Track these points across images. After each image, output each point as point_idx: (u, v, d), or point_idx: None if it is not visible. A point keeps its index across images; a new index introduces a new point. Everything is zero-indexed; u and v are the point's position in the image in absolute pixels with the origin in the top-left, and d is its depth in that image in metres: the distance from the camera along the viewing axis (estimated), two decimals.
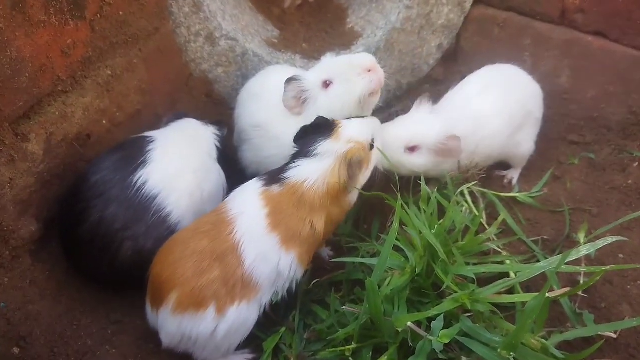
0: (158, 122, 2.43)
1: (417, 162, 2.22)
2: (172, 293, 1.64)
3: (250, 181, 1.88)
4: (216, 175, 2.19)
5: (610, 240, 1.75)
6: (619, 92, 2.65)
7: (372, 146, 1.93)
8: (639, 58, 2.55)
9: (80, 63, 1.96)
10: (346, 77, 2.04)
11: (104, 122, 2.11)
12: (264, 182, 1.83)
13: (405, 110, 3.01)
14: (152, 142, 1.99)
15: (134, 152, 1.94)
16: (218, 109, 2.86)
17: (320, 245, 1.94)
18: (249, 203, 1.79)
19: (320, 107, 2.07)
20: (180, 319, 1.65)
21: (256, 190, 1.81)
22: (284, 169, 1.84)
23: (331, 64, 2.14)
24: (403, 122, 2.32)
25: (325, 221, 1.80)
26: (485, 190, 2.33)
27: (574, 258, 1.69)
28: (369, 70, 2.03)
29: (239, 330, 1.75)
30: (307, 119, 2.07)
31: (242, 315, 1.72)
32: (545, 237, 2.22)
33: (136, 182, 1.87)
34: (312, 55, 2.92)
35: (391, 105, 3.08)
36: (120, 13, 2.12)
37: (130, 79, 2.25)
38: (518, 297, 1.69)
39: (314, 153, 1.81)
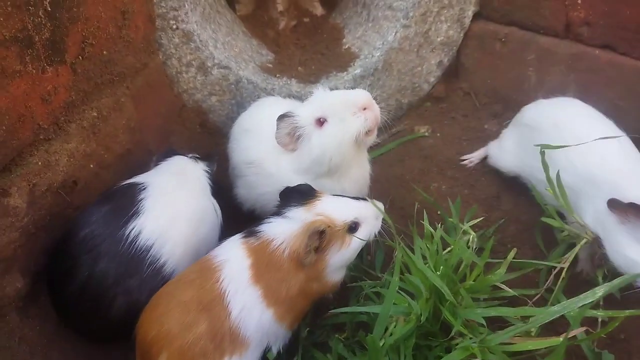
0: (151, 159, 2.36)
1: None
2: (161, 356, 1.56)
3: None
4: (211, 214, 2.11)
5: (628, 279, 1.64)
6: (629, 106, 2.54)
7: (353, 229, 1.81)
8: None
9: (63, 108, 1.88)
10: (341, 116, 1.95)
11: (92, 166, 2.03)
12: (243, 233, 1.80)
13: (406, 131, 2.93)
14: (143, 189, 1.90)
15: (124, 203, 1.85)
16: (213, 139, 2.78)
17: (303, 311, 1.85)
18: (233, 251, 1.74)
19: (315, 145, 1.98)
20: None
21: (238, 239, 1.78)
22: (260, 222, 1.81)
23: (325, 100, 2.03)
24: None
25: (300, 292, 1.73)
26: None
27: (589, 301, 1.58)
28: (365, 109, 1.94)
29: None
30: (302, 156, 2.01)
31: None
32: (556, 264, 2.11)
33: (129, 235, 1.78)
34: (309, 79, 2.84)
35: (392, 125, 2.99)
36: (104, 52, 2.04)
37: (118, 118, 2.17)
38: (532, 345, 1.58)
39: (284, 215, 1.77)
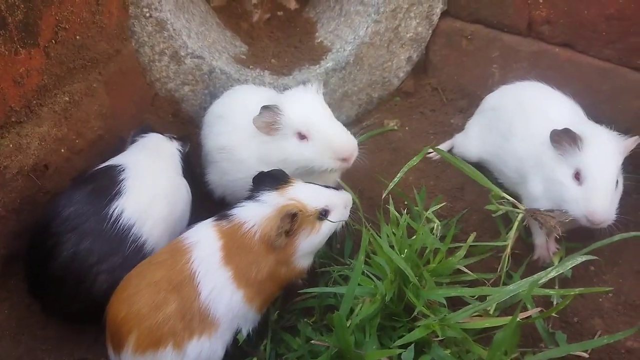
0: (123, 146, 2.38)
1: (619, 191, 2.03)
2: (131, 335, 1.58)
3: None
4: (184, 192, 2.17)
5: (580, 259, 1.75)
6: (587, 103, 2.64)
7: (322, 216, 1.88)
8: (605, 69, 2.56)
9: (35, 91, 1.89)
10: (321, 149, 2.02)
11: (63, 150, 2.04)
12: (215, 217, 1.84)
13: (376, 124, 3.01)
14: (123, 170, 1.94)
15: (106, 183, 1.90)
16: (186, 128, 2.80)
17: (272, 295, 1.90)
18: (204, 233, 1.78)
19: (287, 150, 2.07)
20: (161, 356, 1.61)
21: (209, 222, 1.82)
22: (233, 206, 1.86)
23: (316, 122, 2.05)
24: None
25: (269, 275, 1.79)
26: None
27: (542, 280, 1.68)
28: (344, 159, 2.03)
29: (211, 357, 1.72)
30: (272, 150, 2.09)
31: (205, 352, 1.67)
32: (517, 251, 2.22)
33: (112, 214, 1.83)
34: (282, 71, 2.89)
35: (362, 119, 3.06)
36: (77, 37, 2.05)
37: (90, 104, 2.18)
38: (489, 322, 1.67)
39: (257, 199, 1.82)
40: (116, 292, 1.68)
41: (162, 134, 2.30)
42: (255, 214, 1.80)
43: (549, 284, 1.90)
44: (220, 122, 2.32)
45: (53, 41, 1.92)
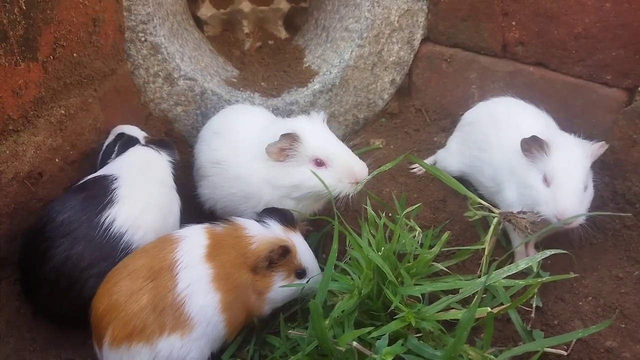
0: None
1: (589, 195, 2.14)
2: (109, 328, 1.61)
3: None
4: (176, 204, 2.24)
5: (548, 253, 1.82)
6: (562, 118, 2.76)
7: (299, 273, 1.97)
8: (577, 85, 2.69)
9: (32, 103, 2.00)
10: (339, 174, 2.13)
11: (57, 160, 2.13)
12: (209, 223, 1.93)
13: (362, 144, 3.12)
14: (115, 180, 2.01)
15: (99, 192, 1.97)
16: (178, 147, 2.88)
17: (238, 319, 1.87)
18: (194, 231, 1.86)
19: (303, 176, 2.14)
20: (118, 356, 1.62)
21: (201, 226, 1.91)
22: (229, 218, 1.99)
23: (334, 150, 2.17)
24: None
25: (243, 289, 1.84)
26: None
27: (513, 272, 1.74)
28: (357, 182, 2.16)
29: None
30: (284, 175, 2.16)
31: (175, 351, 1.66)
32: (497, 258, 2.27)
33: (104, 222, 1.90)
34: (271, 93, 3.02)
35: (349, 139, 3.17)
36: (74, 55, 2.18)
37: (85, 118, 2.29)
38: (461, 314, 1.71)
39: (263, 222, 1.96)
40: (101, 285, 1.73)
41: (147, 145, 2.33)
42: (259, 230, 1.91)
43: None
44: (216, 138, 2.40)
45: (51, 57, 2.05)
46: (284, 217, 1.99)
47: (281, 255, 1.86)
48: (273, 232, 1.92)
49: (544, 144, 2.10)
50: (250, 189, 2.23)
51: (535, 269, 2.08)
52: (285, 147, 2.11)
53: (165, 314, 1.64)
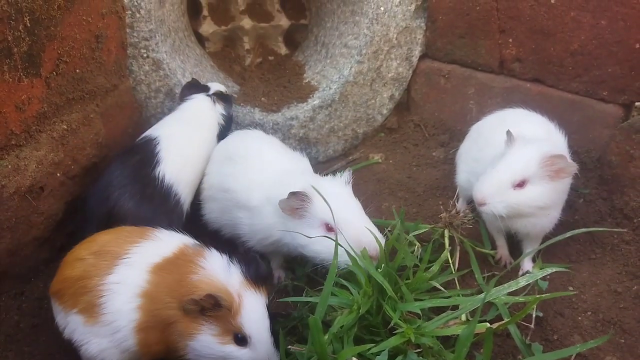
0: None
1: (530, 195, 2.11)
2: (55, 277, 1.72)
3: None
4: (208, 151, 2.56)
5: (549, 270, 1.83)
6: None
7: (239, 339, 1.65)
8: (574, 101, 2.72)
9: (35, 118, 2.02)
10: (346, 246, 1.91)
11: (58, 174, 2.15)
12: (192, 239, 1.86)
13: (362, 158, 3.15)
14: (157, 144, 2.35)
15: (148, 154, 2.31)
16: None
17: (153, 344, 1.71)
18: (170, 240, 1.81)
19: (311, 240, 1.97)
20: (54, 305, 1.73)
21: (182, 238, 1.84)
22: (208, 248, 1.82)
23: (347, 221, 1.98)
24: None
25: (166, 320, 1.65)
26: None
27: (513, 289, 1.75)
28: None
29: (81, 347, 1.67)
30: (298, 227, 2.01)
31: (77, 333, 1.65)
32: (496, 272, 2.28)
33: (157, 176, 2.27)
34: (271, 108, 3.06)
35: (349, 153, 3.20)
36: (77, 71, 2.21)
37: (87, 132, 2.32)
38: (461, 329, 1.71)
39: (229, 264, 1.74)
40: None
41: (208, 94, 2.67)
42: (214, 266, 1.70)
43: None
44: (228, 164, 2.34)
45: (54, 73, 2.08)
46: (254, 270, 1.72)
47: (213, 305, 1.58)
48: (227, 277, 1.67)
49: (511, 138, 2.15)
50: (260, 225, 2.16)
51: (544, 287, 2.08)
52: (296, 205, 2.00)
53: (81, 292, 1.65)
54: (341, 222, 1.97)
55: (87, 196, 2.21)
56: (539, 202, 2.10)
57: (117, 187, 2.15)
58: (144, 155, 2.29)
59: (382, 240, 2.00)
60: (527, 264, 2.31)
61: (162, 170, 2.28)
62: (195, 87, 2.70)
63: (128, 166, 2.23)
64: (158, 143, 2.35)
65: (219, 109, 2.68)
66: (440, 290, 2.06)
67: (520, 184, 2.07)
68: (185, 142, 2.45)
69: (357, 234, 1.98)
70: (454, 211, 2.35)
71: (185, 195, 2.40)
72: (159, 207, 2.24)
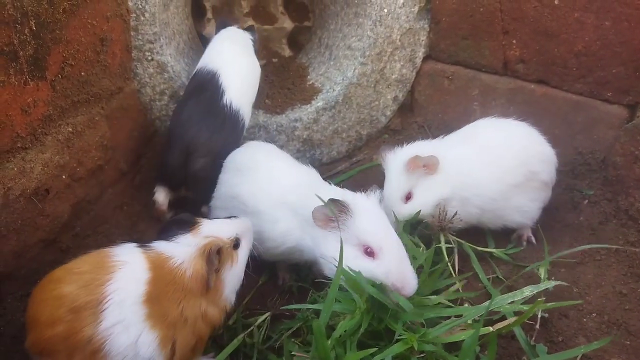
0: (121, 177, 2.58)
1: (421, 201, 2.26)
2: (29, 335, 1.58)
3: None
4: (257, 68, 2.87)
5: (553, 283, 1.90)
6: (564, 134, 2.79)
7: (237, 245, 1.88)
8: (579, 102, 2.72)
9: (41, 121, 2.04)
10: (386, 276, 1.79)
11: (64, 177, 2.16)
12: (140, 244, 1.79)
13: (366, 160, 3.16)
14: (219, 76, 2.57)
15: (214, 88, 2.56)
16: None
17: (196, 348, 1.77)
18: (134, 256, 1.70)
19: (337, 251, 1.80)
20: None
21: (136, 247, 1.75)
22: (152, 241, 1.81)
23: (392, 250, 1.83)
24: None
25: (196, 317, 1.71)
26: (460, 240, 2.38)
27: (518, 298, 1.76)
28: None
29: None
30: (325, 239, 1.89)
31: None
32: (499, 276, 2.28)
33: (225, 104, 2.54)
34: (275, 110, 3.07)
35: (352, 155, 3.20)
36: (82, 73, 2.23)
37: (92, 135, 2.33)
38: (464, 335, 1.71)
39: (175, 241, 1.78)
40: (35, 289, 1.64)
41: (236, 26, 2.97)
42: (182, 252, 1.73)
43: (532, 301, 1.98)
44: (238, 174, 2.32)
45: (59, 76, 2.09)
46: (181, 223, 1.83)
47: (218, 258, 1.74)
48: (190, 244, 1.75)
49: (384, 158, 2.42)
50: (272, 231, 2.10)
51: (542, 277, 2.08)
52: (333, 216, 1.84)
53: (77, 352, 1.53)
54: (383, 247, 1.82)
55: (170, 129, 2.56)
56: (433, 200, 2.25)
57: (195, 122, 2.46)
58: (212, 89, 2.54)
59: (416, 277, 1.83)
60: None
61: (228, 98, 2.54)
62: (224, 23, 2.98)
63: (202, 101, 2.51)
64: (220, 75, 2.58)
65: (249, 35, 2.93)
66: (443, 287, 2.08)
67: (408, 197, 2.28)
68: (239, 67, 2.70)
69: (400, 266, 1.81)
70: (442, 214, 2.31)
71: (247, 118, 2.69)
72: (230, 134, 2.55)
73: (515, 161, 2.31)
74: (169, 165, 2.49)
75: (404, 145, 2.41)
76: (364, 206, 1.89)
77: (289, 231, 2.06)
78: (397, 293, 1.74)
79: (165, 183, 2.55)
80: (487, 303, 1.84)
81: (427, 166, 2.23)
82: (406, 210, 2.26)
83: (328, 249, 1.86)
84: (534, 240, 2.48)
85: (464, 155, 2.32)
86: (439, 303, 1.97)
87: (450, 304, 1.98)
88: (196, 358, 1.84)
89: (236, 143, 2.57)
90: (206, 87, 2.56)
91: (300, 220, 1.99)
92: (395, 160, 2.31)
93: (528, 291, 1.92)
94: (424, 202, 2.26)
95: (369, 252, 1.83)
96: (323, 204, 1.85)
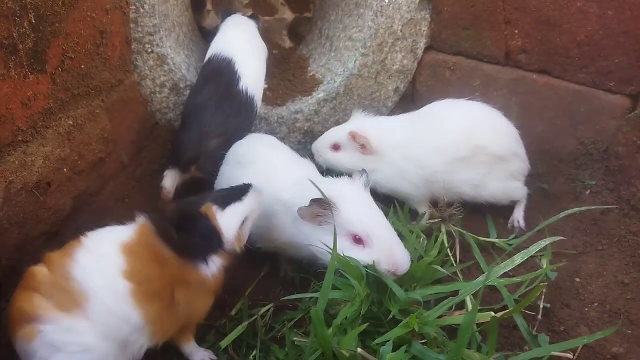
0: (122, 170, 2.58)
1: (342, 159, 2.58)
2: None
3: None
4: (264, 51, 3.00)
5: (543, 243, 1.94)
6: (566, 125, 2.79)
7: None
8: (581, 92, 2.71)
9: (41, 114, 2.03)
10: (377, 260, 1.84)
11: (65, 170, 2.16)
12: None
13: None
14: (234, 63, 2.64)
15: (231, 74, 2.62)
16: None
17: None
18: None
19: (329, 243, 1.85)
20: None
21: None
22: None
23: (379, 234, 1.89)
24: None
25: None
26: (461, 230, 2.41)
27: (509, 268, 1.80)
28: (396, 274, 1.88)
29: None
30: (317, 233, 1.93)
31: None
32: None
33: (241, 90, 2.61)
34: (276, 102, 3.06)
35: None
36: (82, 66, 2.22)
37: (92, 128, 2.32)
38: (462, 318, 1.71)
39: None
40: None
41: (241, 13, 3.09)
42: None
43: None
44: (238, 167, 2.34)
45: (59, 69, 2.08)
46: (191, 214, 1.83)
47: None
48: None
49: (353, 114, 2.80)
50: (268, 226, 2.14)
51: (545, 265, 2.09)
52: (319, 213, 1.90)
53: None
54: (370, 233, 1.88)
55: (185, 113, 2.62)
56: (347, 165, 2.56)
57: (212, 105, 2.52)
58: (228, 76, 2.62)
59: (409, 256, 1.89)
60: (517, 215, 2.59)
61: (244, 85, 2.61)
62: (228, 12, 3.11)
63: (219, 86, 2.58)
64: (235, 62, 2.64)
65: (254, 22, 3.03)
66: (445, 282, 2.08)
67: (336, 148, 2.62)
68: (252, 54, 2.79)
69: (389, 248, 1.87)
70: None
71: (259, 104, 2.77)
72: (245, 119, 2.64)
73: (459, 135, 2.41)
74: (183, 143, 2.53)
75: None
76: (348, 196, 1.94)
77: (283, 225, 2.10)
78: (390, 277, 1.80)
79: (177, 163, 2.55)
80: (482, 277, 1.84)
81: (363, 146, 2.50)
82: (330, 158, 2.63)
83: (319, 244, 1.89)
84: (522, 224, 2.54)
85: (409, 129, 2.53)
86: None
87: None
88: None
89: (249, 128, 2.68)
90: (222, 73, 2.62)
91: (294, 217, 2.01)
92: (348, 124, 2.64)
93: (518, 259, 1.93)
94: (345, 161, 2.58)
95: (358, 240, 1.89)
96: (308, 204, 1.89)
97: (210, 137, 2.51)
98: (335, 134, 2.64)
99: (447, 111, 2.54)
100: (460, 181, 2.44)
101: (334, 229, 1.84)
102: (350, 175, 2.09)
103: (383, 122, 2.64)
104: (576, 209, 2.29)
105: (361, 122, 2.61)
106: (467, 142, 2.40)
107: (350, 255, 1.83)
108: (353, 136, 2.49)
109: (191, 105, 2.59)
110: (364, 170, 2.09)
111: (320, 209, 1.89)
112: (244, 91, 2.61)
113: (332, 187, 1.97)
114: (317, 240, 1.90)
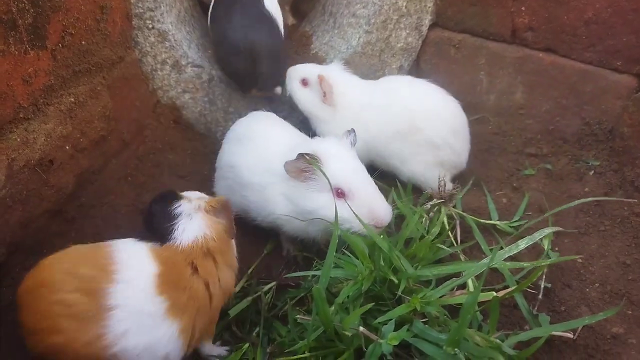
0: (125, 148, 2.55)
1: (304, 96, 2.65)
2: (28, 339, 1.64)
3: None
4: None
5: (547, 231, 1.91)
6: (571, 104, 2.76)
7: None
8: (587, 71, 2.67)
9: (42, 91, 2.01)
10: (360, 214, 1.90)
11: (67, 147, 2.15)
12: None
13: None
14: None
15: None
16: (186, 134, 2.92)
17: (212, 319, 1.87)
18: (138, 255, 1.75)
19: (319, 199, 1.99)
20: None
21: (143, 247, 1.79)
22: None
23: (359, 184, 2.00)
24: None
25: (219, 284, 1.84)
26: (460, 212, 2.40)
27: (514, 252, 1.79)
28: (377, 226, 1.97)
29: None
30: (304, 191, 2.02)
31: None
32: (503, 247, 2.27)
33: (264, 6, 2.69)
34: None
35: None
36: (83, 42, 2.19)
37: (94, 105, 2.31)
38: (464, 298, 1.72)
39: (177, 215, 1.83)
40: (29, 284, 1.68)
41: None
42: (195, 225, 1.82)
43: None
44: (237, 143, 2.37)
45: (60, 45, 2.06)
46: (164, 200, 1.88)
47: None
48: (192, 210, 1.85)
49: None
50: (263, 199, 2.18)
51: (546, 248, 2.08)
52: (304, 168, 1.98)
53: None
54: (352, 187, 1.97)
55: (223, 37, 2.66)
56: (305, 104, 2.66)
57: (251, 27, 2.59)
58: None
59: (390, 209, 1.99)
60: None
61: (267, 3, 2.71)
62: None
63: (248, 8, 2.65)
64: None
65: None
66: (449, 261, 2.08)
67: (304, 83, 2.65)
68: None
69: (370, 201, 1.98)
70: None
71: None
72: (278, 37, 2.72)
73: (405, 112, 2.50)
74: (240, 70, 2.65)
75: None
76: (333, 151, 2.03)
77: (274, 197, 2.13)
78: (372, 229, 1.85)
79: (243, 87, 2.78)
80: (486, 260, 1.84)
81: (325, 94, 2.55)
82: (295, 88, 2.68)
83: (306, 202, 2.01)
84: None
85: (368, 95, 2.60)
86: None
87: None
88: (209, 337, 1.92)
89: (284, 48, 2.81)
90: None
91: (284, 186, 2.09)
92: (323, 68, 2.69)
93: (523, 244, 1.93)
94: (303, 99, 2.66)
95: (341, 194, 1.97)
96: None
97: (263, 59, 2.60)
98: (310, 69, 2.67)
99: (404, 88, 2.61)
100: (392, 151, 2.54)
101: (318, 185, 1.98)
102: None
103: (352, 81, 2.67)
104: (583, 200, 2.30)
105: (335, 72, 2.64)
106: (410, 120, 2.48)
107: (331, 209, 1.87)
108: (321, 80, 2.53)
109: (227, 30, 2.64)
110: (352, 130, 2.16)
111: (305, 163, 1.96)
112: (268, 12, 2.70)
113: (319, 144, 2.09)
114: (304, 200, 2.01)
